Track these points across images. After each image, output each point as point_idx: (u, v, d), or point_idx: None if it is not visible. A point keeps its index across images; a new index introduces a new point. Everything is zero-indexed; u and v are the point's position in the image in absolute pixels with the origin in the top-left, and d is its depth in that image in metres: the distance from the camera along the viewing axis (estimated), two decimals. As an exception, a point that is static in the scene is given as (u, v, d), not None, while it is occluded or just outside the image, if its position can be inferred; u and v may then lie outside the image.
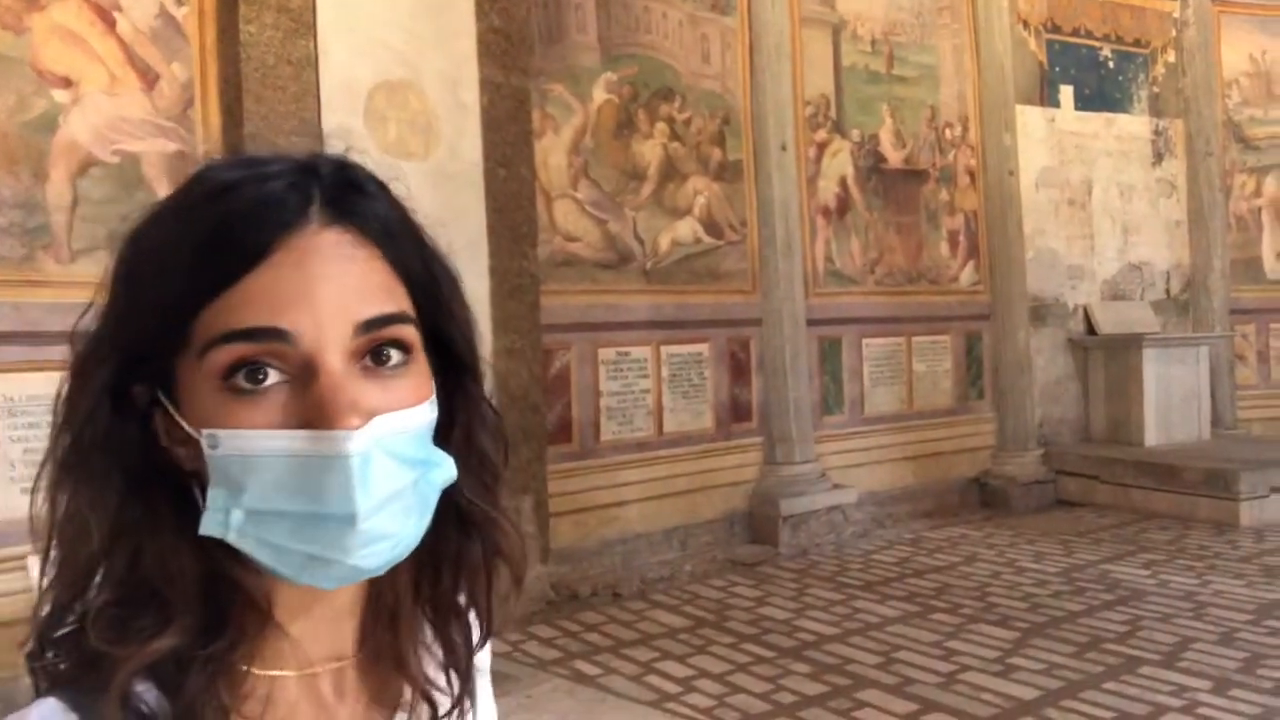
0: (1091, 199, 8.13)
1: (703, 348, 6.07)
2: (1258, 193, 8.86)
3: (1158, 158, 8.48)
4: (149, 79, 3.94)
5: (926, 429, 7.25)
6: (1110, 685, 3.69)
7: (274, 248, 0.55)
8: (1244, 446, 7.59)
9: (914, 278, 7.29)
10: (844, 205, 6.87)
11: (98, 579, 0.57)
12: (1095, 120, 8.16)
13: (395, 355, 0.57)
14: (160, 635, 0.55)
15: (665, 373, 5.87)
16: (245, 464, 0.54)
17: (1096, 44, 8.21)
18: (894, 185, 7.17)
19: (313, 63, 4.27)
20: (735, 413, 6.21)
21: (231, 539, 0.55)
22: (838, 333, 6.80)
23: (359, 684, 0.64)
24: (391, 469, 0.55)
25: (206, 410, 0.55)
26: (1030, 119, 7.77)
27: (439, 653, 0.67)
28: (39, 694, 0.56)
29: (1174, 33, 8.54)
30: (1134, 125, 8.40)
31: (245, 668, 0.59)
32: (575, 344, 5.47)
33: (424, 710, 0.65)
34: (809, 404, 6.39)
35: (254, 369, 0.54)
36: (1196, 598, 4.76)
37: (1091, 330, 7.98)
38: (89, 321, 0.58)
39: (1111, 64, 8.29)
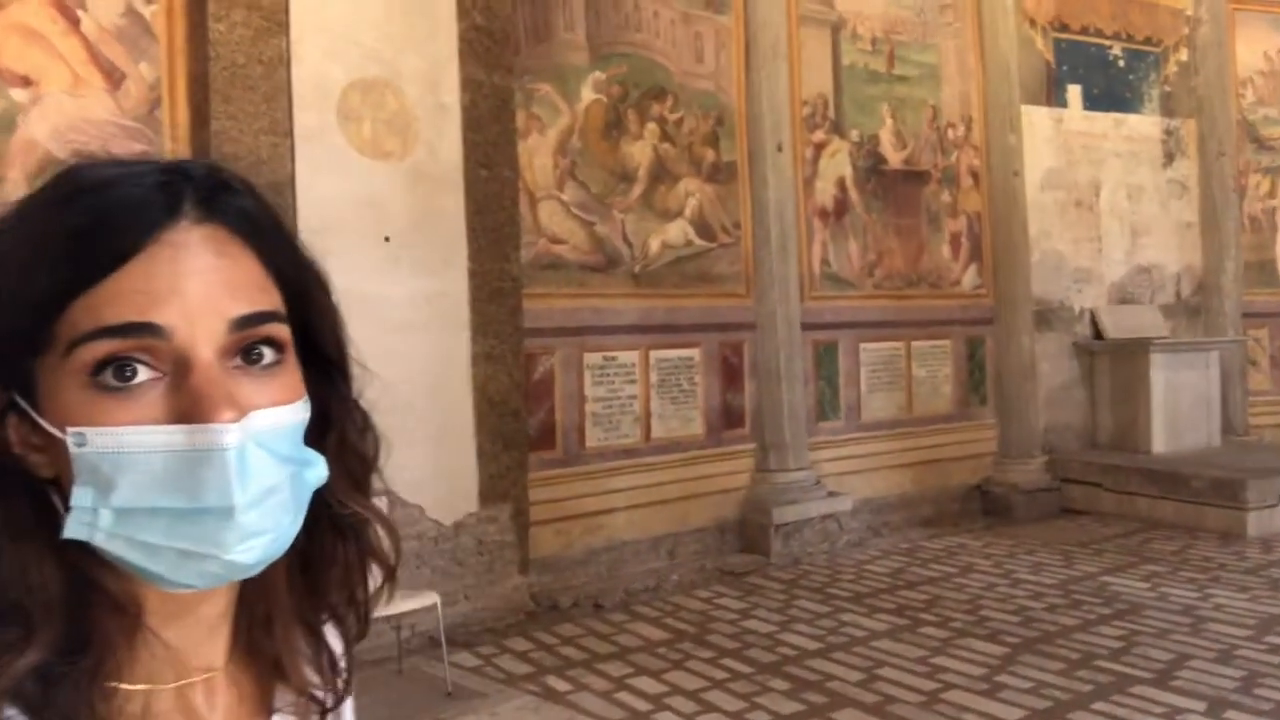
0: (1099, 200, 7.95)
1: (693, 352, 5.95)
2: (1272, 194, 8.66)
3: (1168, 158, 8.29)
4: (114, 79, 3.87)
5: (926, 435, 7.10)
6: (1099, 705, 3.55)
7: (145, 244, 0.54)
8: (1254, 454, 7.40)
9: (914, 281, 7.14)
10: (842, 207, 6.74)
11: None
12: (1104, 120, 7.98)
13: (268, 354, 0.56)
14: (24, 651, 0.52)
15: (654, 378, 5.75)
16: (116, 461, 0.52)
17: (1106, 42, 8.03)
18: (894, 186, 7.03)
19: (285, 61, 4.19)
20: (727, 418, 6.09)
21: (98, 541, 0.53)
22: (834, 337, 6.67)
23: (229, 693, 0.63)
24: (268, 464, 0.54)
25: (72, 409, 0.53)
26: (1036, 119, 7.61)
27: (312, 654, 0.67)
28: None
29: (1187, 31, 8.35)
30: (1144, 125, 8.21)
31: (116, 683, 0.56)
32: (559, 348, 5.36)
33: (308, 712, 0.65)
34: (803, 410, 6.26)
35: (122, 365, 0.53)
36: (1196, 612, 4.60)
37: (1099, 335, 7.80)
38: None
39: (1122, 63, 8.11)
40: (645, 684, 3.88)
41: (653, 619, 4.78)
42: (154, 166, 0.58)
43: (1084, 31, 7.87)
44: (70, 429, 0.53)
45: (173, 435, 0.52)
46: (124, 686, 0.57)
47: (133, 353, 0.53)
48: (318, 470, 0.58)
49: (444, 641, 3.91)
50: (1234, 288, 8.24)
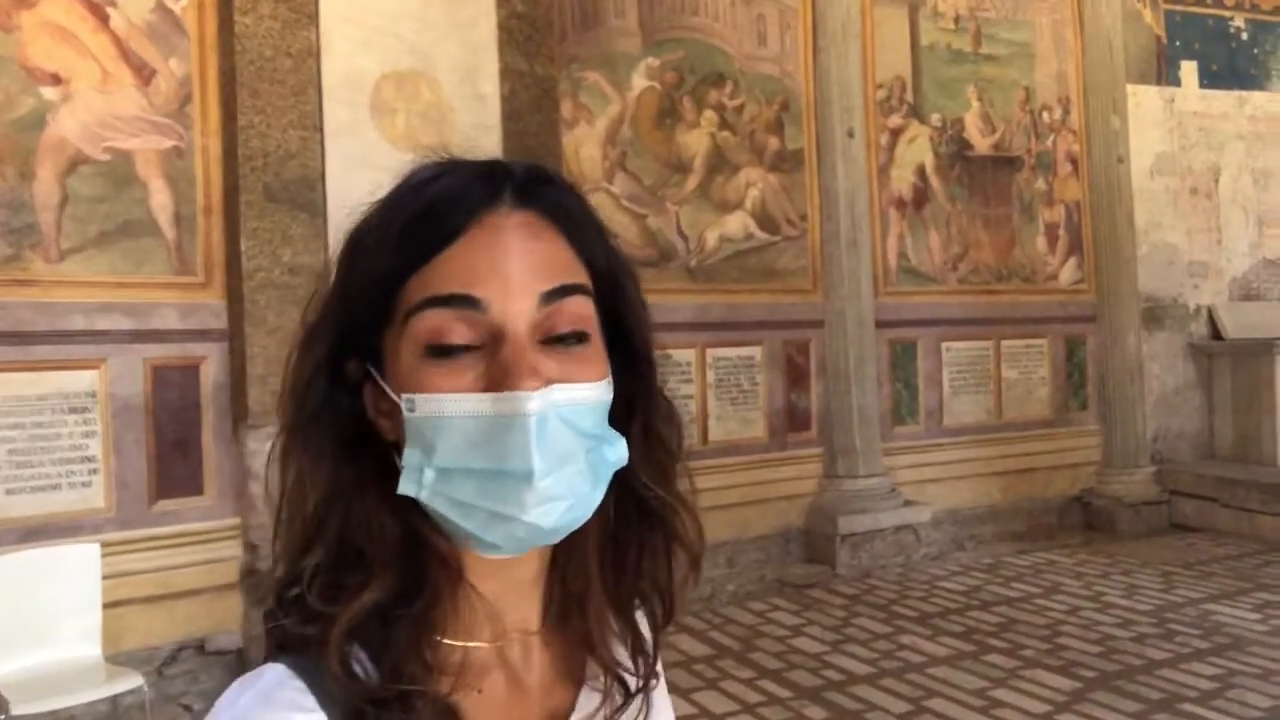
0: (1219, 188, 7.25)
1: (755, 351, 5.65)
2: None
3: (1302, 139, 7.49)
4: (144, 75, 3.87)
5: (1018, 442, 6.60)
6: (1180, 755, 3.12)
7: (468, 227, 0.59)
8: (1401, 469, 6.58)
9: (1004, 275, 6.65)
10: (922, 196, 6.32)
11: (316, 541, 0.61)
12: (1224, 99, 7.27)
13: (572, 338, 0.60)
14: (364, 592, 0.58)
15: (711, 377, 5.49)
16: (437, 425, 0.58)
17: (1226, 13, 7.32)
18: (981, 174, 6.56)
19: (314, 54, 4.12)
20: (792, 421, 5.77)
21: (424, 497, 0.59)
22: (912, 335, 6.25)
23: (544, 657, 0.67)
24: (566, 434, 0.58)
25: (406, 376, 0.59)
26: (1144, 100, 6.99)
27: (621, 635, 0.69)
28: (268, 656, 0.60)
29: (1324, -2, 7.53)
30: (1273, 104, 7.45)
31: (440, 636, 0.61)
32: (608, 347, 5.15)
33: (614, 689, 0.67)
34: (876, 413, 5.88)
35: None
36: (1313, 649, 4.05)
37: (1218, 334, 7.11)
38: (316, 303, 0.63)
39: (1245, 35, 7.38)
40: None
41: (698, 632, 4.53)
42: (481, 164, 0.63)
43: (1201, 2, 7.19)
44: (404, 395, 0.59)
45: (481, 403, 0.57)
46: (446, 641, 0.62)
47: (454, 324, 0.58)
48: (618, 449, 0.61)
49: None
50: (1379, 282, 7.40)
